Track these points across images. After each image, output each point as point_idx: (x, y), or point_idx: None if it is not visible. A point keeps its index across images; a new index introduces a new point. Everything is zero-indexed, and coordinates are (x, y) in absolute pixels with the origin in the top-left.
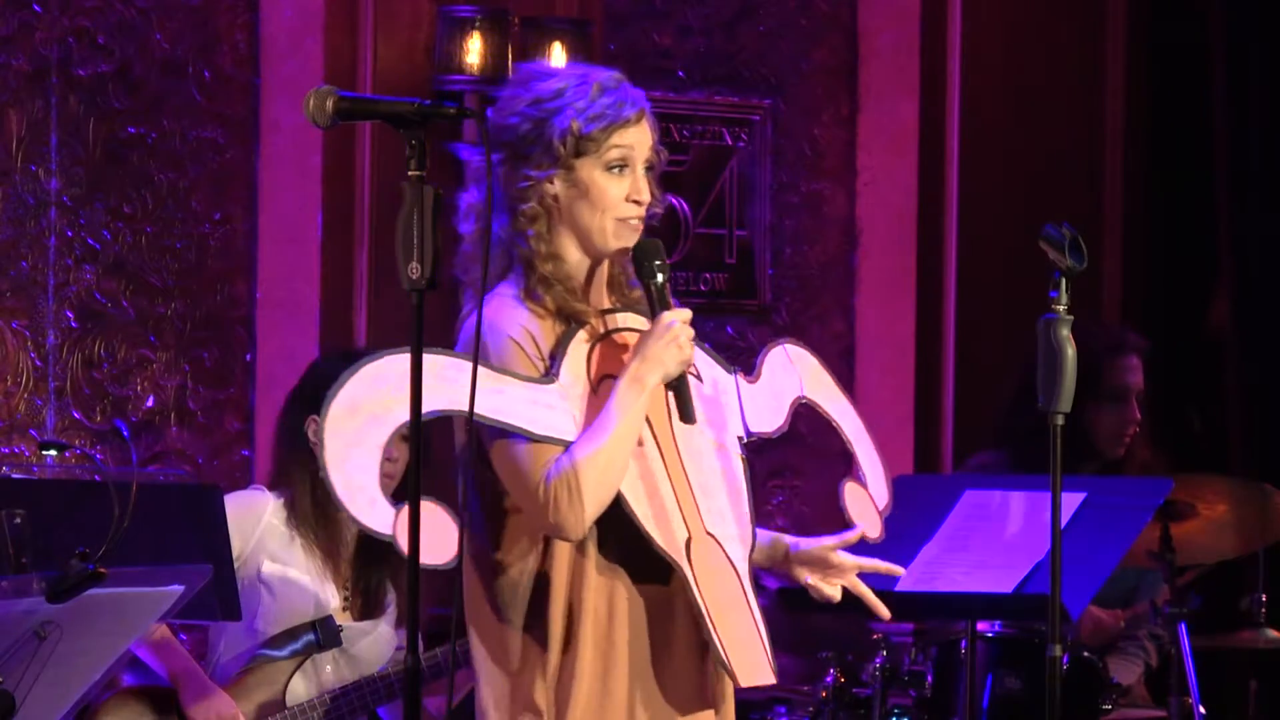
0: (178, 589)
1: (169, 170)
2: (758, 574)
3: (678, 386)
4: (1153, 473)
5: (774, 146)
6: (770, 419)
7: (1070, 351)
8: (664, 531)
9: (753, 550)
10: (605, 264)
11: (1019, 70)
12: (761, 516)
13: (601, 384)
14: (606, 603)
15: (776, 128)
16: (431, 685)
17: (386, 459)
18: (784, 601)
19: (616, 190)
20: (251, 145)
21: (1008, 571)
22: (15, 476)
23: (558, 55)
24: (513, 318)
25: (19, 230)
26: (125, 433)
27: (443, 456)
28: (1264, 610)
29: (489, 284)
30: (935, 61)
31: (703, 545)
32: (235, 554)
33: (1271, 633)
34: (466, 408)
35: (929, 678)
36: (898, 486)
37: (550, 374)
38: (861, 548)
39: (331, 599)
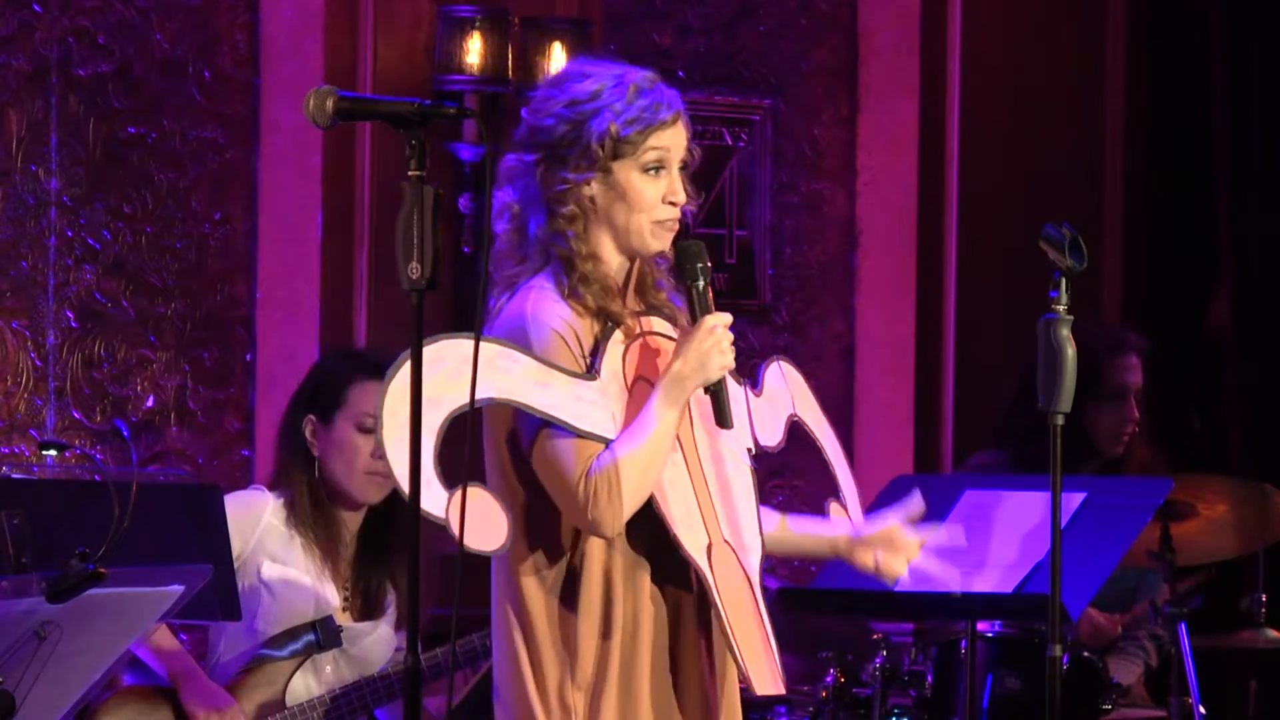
0: (178, 589)
1: (169, 170)
2: (762, 574)
3: (716, 391)
4: (1153, 473)
5: (774, 146)
6: (772, 433)
7: (1070, 351)
8: (689, 535)
9: (761, 560)
10: (637, 265)
11: (1019, 70)
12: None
13: (636, 385)
14: (634, 604)
15: (776, 128)
16: (431, 685)
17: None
18: (784, 601)
19: (653, 192)
20: (251, 145)
21: (1008, 571)
22: (15, 476)
23: (558, 55)
24: (554, 311)
25: (19, 230)
26: (125, 433)
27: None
28: (1264, 610)
29: (520, 279)
30: (935, 61)
31: (721, 551)
32: (235, 554)
33: (1271, 633)
34: (519, 397)
35: (929, 678)
36: (898, 486)
37: (592, 371)
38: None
39: (331, 599)
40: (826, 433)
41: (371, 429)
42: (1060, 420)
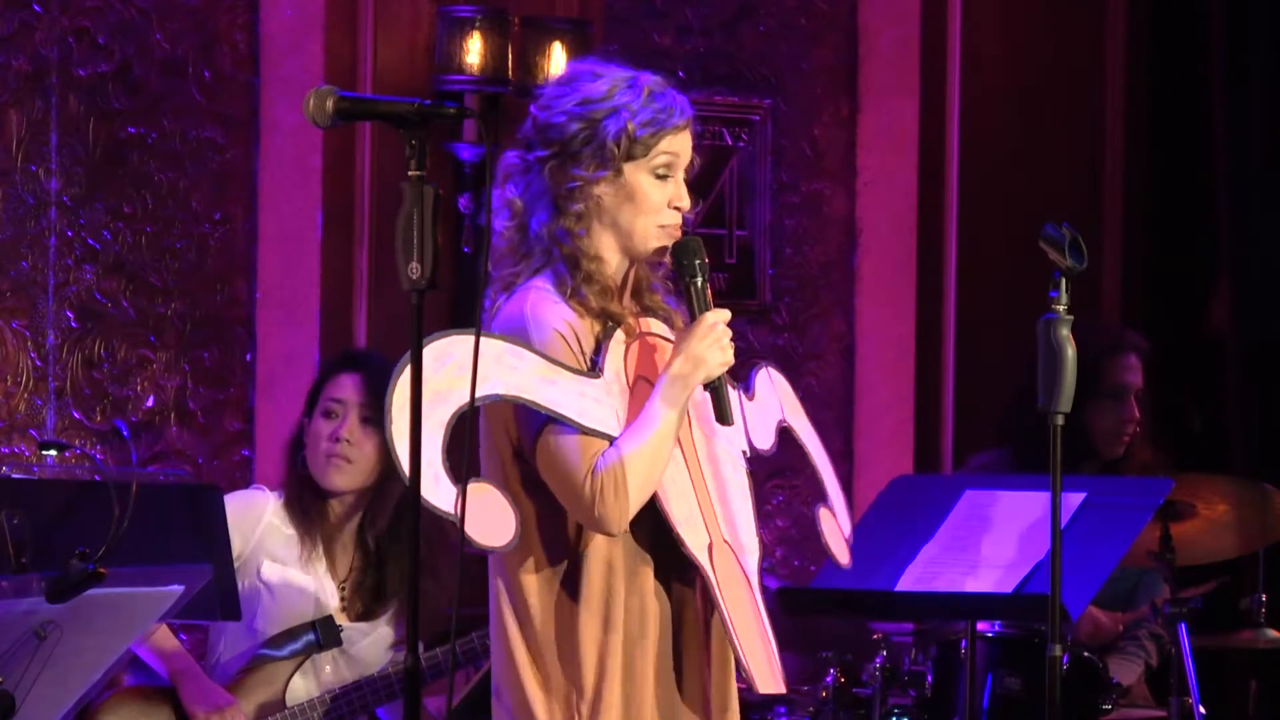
0: (178, 589)
1: (169, 170)
2: (761, 573)
3: (717, 387)
4: (1153, 473)
5: (774, 146)
6: (764, 437)
7: (1070, 351)
8: (691, 534)
9: (760, 561)
10: (634, 268)
11: (1019, 70)
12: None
13: (636, 384)
14: (637, 602)
15: (776, 128)
16: (431, 685)
17: (346, 440)
18: (784, 601)
19: (660, 195)
20: (251, 145)
21: (1008, 571)
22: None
23: (558, 55)
24: (555, 312)
25: (19, 230)
26: (125, 433)
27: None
28: (1264, 610)
29: (518, 279)
30: (935, 61)
31: (722, 551)
32: (235, 554)
33: (1271, 633)
34: (525, 394)
35: (929, 678)
36: (898, 486)
37: (596, 369)
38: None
39: (331, 599)
40: (813, 440)
41: (333, 414)
42: (1060, 420)
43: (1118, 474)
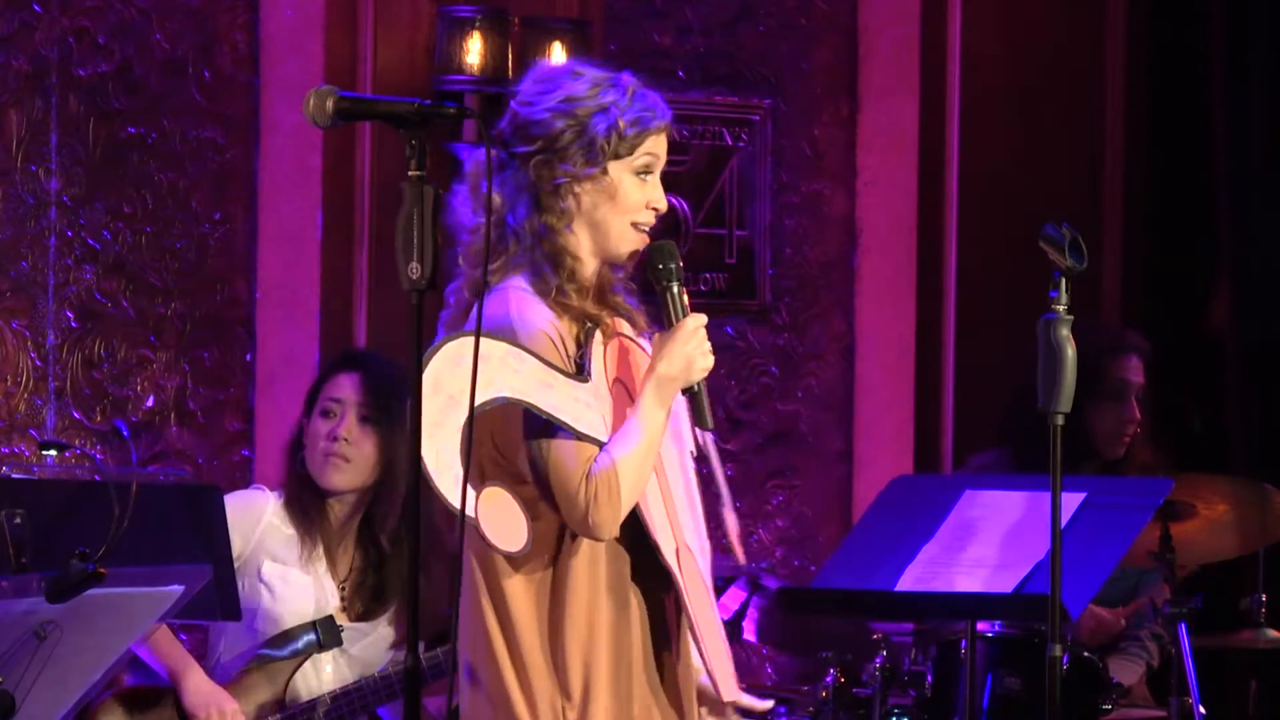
0: (178, 589)
1: (169, 170)
2: (758, 572)
3: (696, 393)
4: (1153, 474)
5: (774, 146)
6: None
7: (1070, 351)
8: (664, 539)
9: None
10: (602, 267)
11: (1019, 70)
12: (761, 516)
13: (613, 387)
14: (620, 604)
15: (776, 128)
16: (431, 685)
17: (344, 439)
18: (784, 601)
19: (639, 195)
20: (251, 145)
21: (1008, 571)
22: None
23: (558, 55)
24: (539, 313)
25: (19, 230)
26: (125, 433)
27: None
28: (1264, 610)
29: (494, 277)
30: (935, 61)
31: (685, 556)
32: (235, 554)
33: (1271, 633)
34: (528, 398)
35: (929, 678)
36: (898, 486)
37: (584, 373)
38: None
39: (331, 599)
40: (712, 444)
41: (332, 413)
42: (1060, 420)
43: (1118, 475)
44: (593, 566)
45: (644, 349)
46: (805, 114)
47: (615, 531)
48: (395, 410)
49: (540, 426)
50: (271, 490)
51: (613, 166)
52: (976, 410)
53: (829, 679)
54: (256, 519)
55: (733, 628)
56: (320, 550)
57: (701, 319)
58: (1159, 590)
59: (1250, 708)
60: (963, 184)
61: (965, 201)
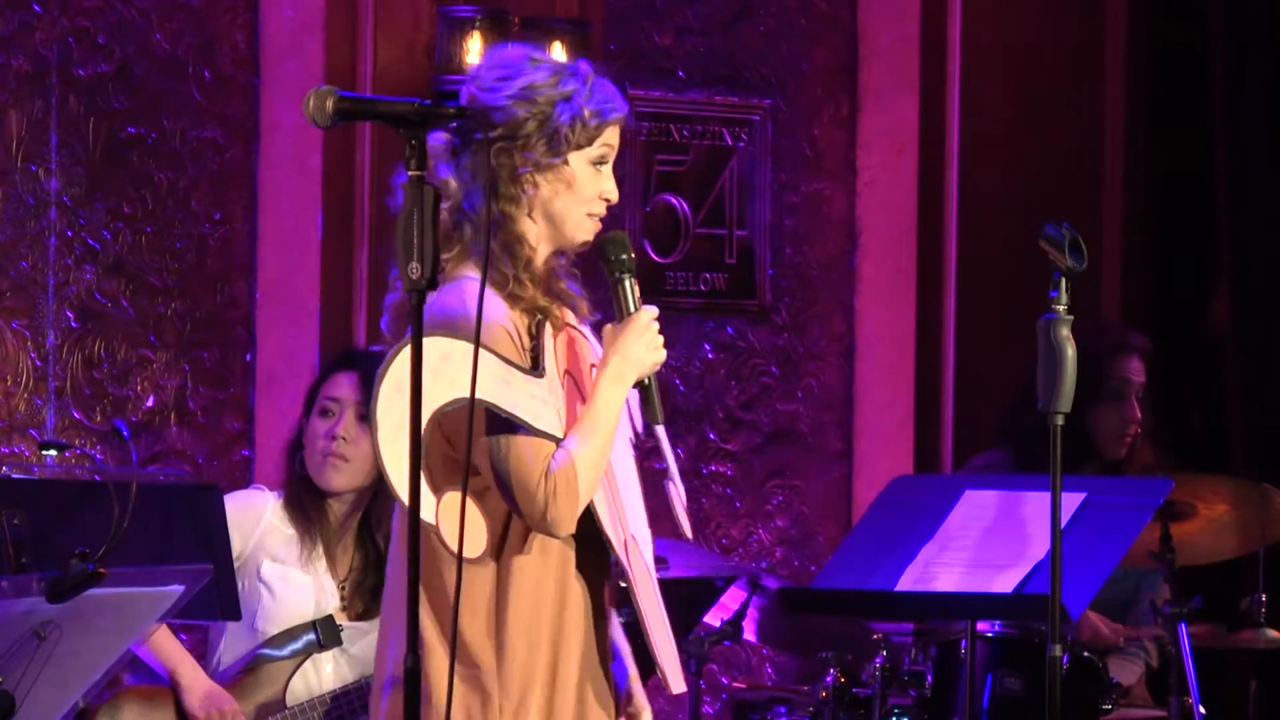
0: (178, 589)
1: (169, 170)
2: (758, 572)
3: (647, 387)
4: (1153, 475)
5: (774, 146)
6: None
7: (1070, 351)
8: (613, 532)
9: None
10: (551, 255)
11: (1019, 70)
12: (761, 516)
13: (563, 379)
14: (563, 595)
15: (776, 128)
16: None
17: (343, 439)
18: (784, 601)
19: (594, 186)
20: (251, 145)
21: (1008, 571)
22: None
23: (558, 55)
24: (495, 306)
25: (19, 230)
26: (125, 433)
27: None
28: (1264, 610)
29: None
30: (935, 61)
31: (633, 547)
32: (235, 554)
33: (1271, 633)
34: (489, 398)
35: (929, 678)
36: (898, 486)
37: (539, 368)
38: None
39: (331, 599)
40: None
41: (330, 412)
42: (1060, 420)
43: (1119, 475)
44: (542, 557)
45: (588, 337)
46: (805, 114)
47: (573, 528)
48: None
49: (498, 423)
50: (271, 490)
51: (573, 156)
52: (976, 410)
53: (829, 679)
54: (256, 519)
55: (733, 628)
56: (320, 550)
57: (653, 311)
58: (1160, 591)
59: (1250, 708)
60: (963, 184)
61: (965, 201)
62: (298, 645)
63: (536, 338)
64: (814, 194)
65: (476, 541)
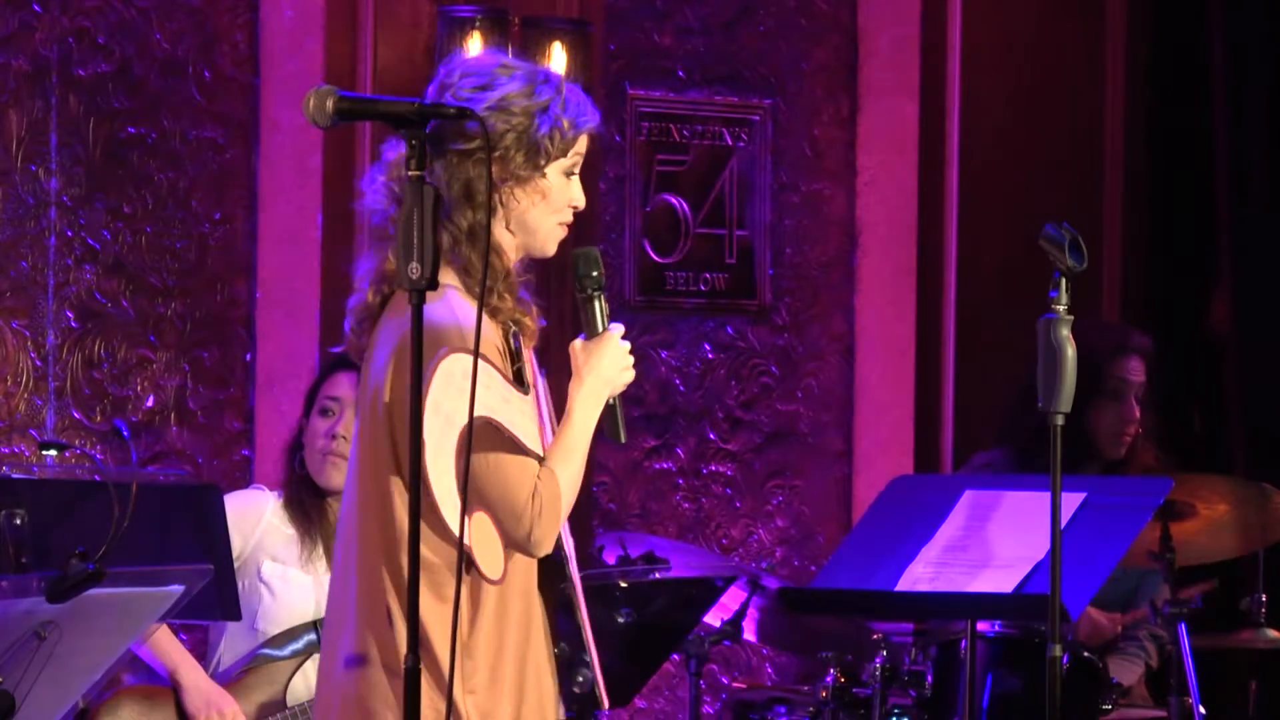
0: (178, 589)
1: (169, 170)
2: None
3: (613, 406)
4: (1153, 475)
5: (774, 146)
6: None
7: (1070, 351)
8: (567, 544)
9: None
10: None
11: (1019, 70)
12: (761, 517)
13: (530, 393)
14: (528, 614)
15: (776, 128)
16: None
17: (342, 438)
18: (784, 601)
19: (565, 195)
20: (251, 145)
21: (1008, 571)
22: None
23: (558, 55)
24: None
25: (19, 230)
26: (125, 433)
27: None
28: (1264, 610)
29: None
30: (935, 61)
31: (572, 559)
32: (235, 554)
33: (1271, 633)
34: (496, 416)
35: (929, 678)
36: (898, 486)
37: (524, 383)
38: None
39: None
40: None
41: (330, 411)
42: (1060, 420)
43: (1119, 475)
44: (508, 580)
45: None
46: (805, 114)
47: (551, 548)
48: None
49: (486, 439)
50: (271, 490)
51: (549, 168)
52: (976, 410)
53: (829, 679)
54: (256, 519)
55: (733, 628)
56: (320, 550)
57: (621, 329)
58: (1159, 591)
59: (1250, 708)
60: (963, 184)
61: (965, 201)
62: (298, 645)
63: (517, 352)
64: (814, 194)
65: (496, 564)
